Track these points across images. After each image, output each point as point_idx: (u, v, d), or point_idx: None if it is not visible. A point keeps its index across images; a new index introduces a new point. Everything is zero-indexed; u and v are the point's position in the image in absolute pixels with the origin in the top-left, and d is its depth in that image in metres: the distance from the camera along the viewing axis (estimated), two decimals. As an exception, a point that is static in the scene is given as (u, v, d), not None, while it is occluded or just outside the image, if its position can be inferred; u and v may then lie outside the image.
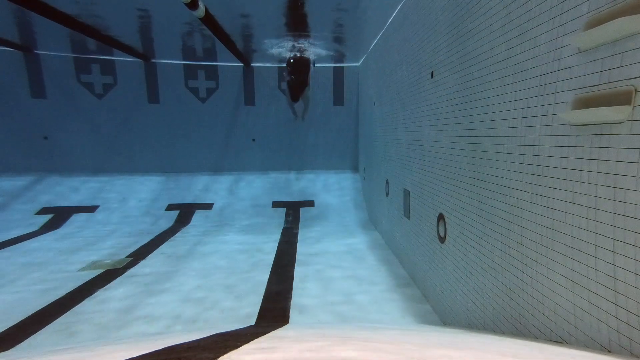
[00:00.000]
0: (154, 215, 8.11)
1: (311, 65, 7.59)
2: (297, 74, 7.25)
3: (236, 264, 5.42)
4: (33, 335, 3.42)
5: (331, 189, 9.24)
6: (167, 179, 9.38)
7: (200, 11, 4.84)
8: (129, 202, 8.52)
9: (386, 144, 5.98)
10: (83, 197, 8.58)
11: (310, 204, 8.69)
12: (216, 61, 9.11)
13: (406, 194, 4.79)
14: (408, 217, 4.73)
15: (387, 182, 5.99)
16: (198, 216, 8.17)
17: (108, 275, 4.95)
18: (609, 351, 1.58)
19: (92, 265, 5.39)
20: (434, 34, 3.65)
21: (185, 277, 4.90)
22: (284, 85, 9.41)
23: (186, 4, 4.51)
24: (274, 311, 3.91)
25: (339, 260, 5.55)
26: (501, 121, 2.43)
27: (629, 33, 1.46)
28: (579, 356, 1.50)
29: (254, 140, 9.77)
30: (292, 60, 7.39)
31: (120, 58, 8.81)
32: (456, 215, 3.18)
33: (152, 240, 6.73)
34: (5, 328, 3.56)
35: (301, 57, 7.42)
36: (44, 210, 8.06)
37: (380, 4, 5.13)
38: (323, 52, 8.04)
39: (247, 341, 1.47)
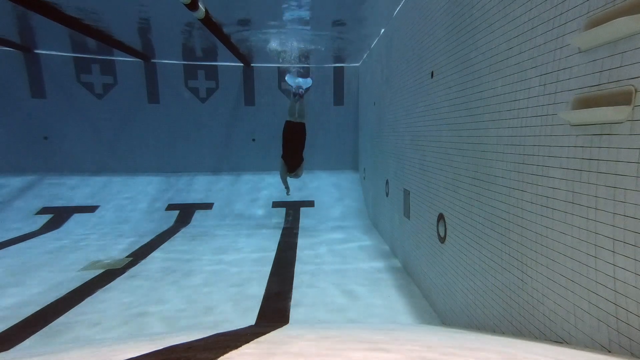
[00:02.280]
0: (153, 215, 8.10)
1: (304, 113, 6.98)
2: (295, 145, 6.73)
3: (236, 264, 5.42)
4: (33, 335, 3.42)
5: (331, 189, 9.23)
6: (167, 179, 9.38)
7: (200, 12, 4.85)
8: (129, 202, 8.51)
9: (386, 144, 5.98)
10: (83, 197, 8.57)
11: (310, 204, 8.68)
12: (216, 61, 9.11)
13: (406, 193, 4.79)
14: (408, 217, 4.73)
15: (387, 182, 5.99)
16: (198, 216, 8.17)
17: (108, 275, 4.95)
18: (609, 351, 1.58)
19: (92, 265, 5.39)
20: (434, 34, 3.65)
21: (184, 277, 4.90)
22: (284, 85, 9.43)
23: (186, 5, 4.51)
24: (274, 311, 3.91)
25: (339, 260, 5.55)
26: (501, 121, 2.43)
27: (629, 33, 1.46)
28: (579, 356, 1.50)
29: (254, 140, 9.76)
30: (289, 128, 6.81)
31: (120, 58, 8.81)
32: (456, 215, 3.18)
33: (152, 240, 6.73)
34: (6, 328, 3.56)
35: (298, 125, 6.82)
36: (44, 210, 8.06)
37: (381, 4, 5.14)
38: (323, 52, 8.04)
39: (247, 341, 1.47)
